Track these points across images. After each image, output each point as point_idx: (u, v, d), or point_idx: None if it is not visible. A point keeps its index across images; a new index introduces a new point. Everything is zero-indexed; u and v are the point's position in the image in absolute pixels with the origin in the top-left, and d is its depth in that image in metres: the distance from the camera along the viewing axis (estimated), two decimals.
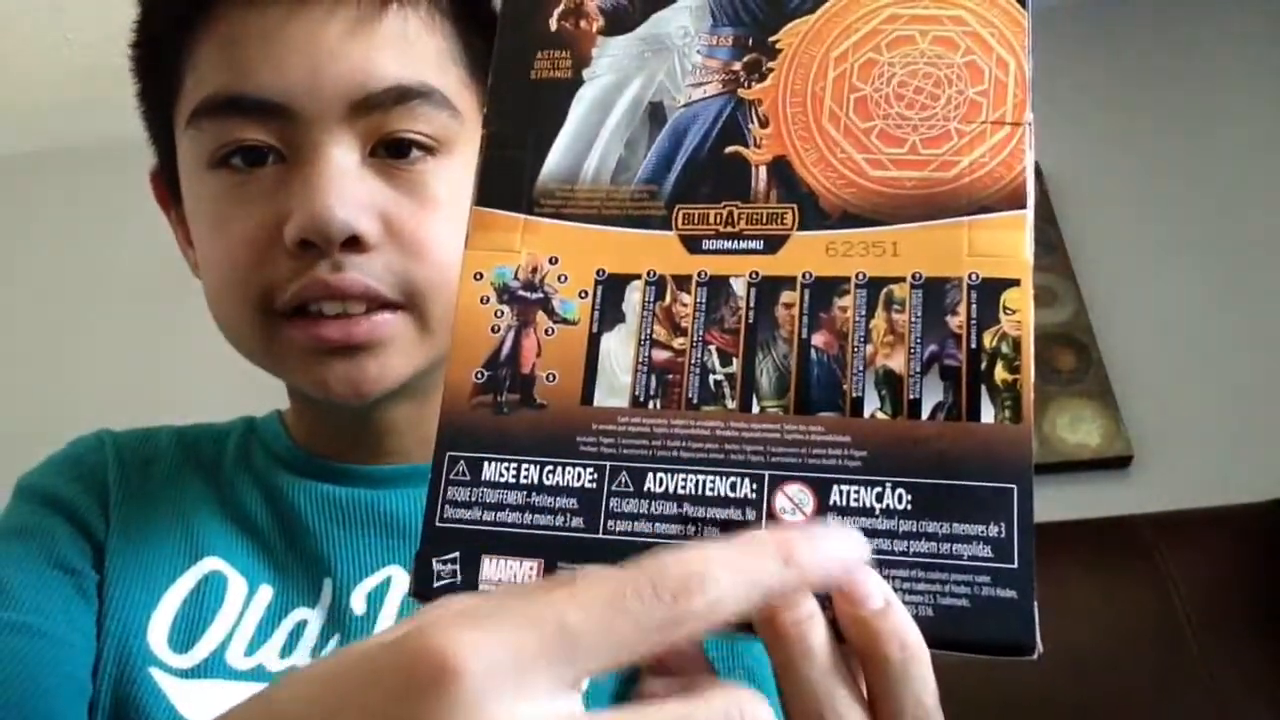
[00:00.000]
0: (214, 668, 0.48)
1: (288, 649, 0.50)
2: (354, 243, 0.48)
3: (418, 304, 0.51)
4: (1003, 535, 0.30)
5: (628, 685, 0.45)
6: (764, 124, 0.35)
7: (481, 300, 0.35)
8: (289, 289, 0.49)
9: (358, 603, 0.51)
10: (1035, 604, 0.29)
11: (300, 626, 0.51)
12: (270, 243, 0.49)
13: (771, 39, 0.36)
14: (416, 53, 0.50)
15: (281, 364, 0.52)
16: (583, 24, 0.38)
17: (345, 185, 0.48)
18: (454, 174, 0.51)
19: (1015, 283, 0.32)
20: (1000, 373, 0.31)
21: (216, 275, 0.52)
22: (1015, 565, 0.29)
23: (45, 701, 0.44)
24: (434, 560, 0.33)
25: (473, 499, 0.33)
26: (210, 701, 0.46)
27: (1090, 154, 1.80)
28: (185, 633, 0.49)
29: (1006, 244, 0.32)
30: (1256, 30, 1.88)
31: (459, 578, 0.33)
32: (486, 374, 0.35)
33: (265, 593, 0.51)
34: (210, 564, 0.51)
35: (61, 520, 0.53)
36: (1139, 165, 1.79)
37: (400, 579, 0.52)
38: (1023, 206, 0.33)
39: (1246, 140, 1.78)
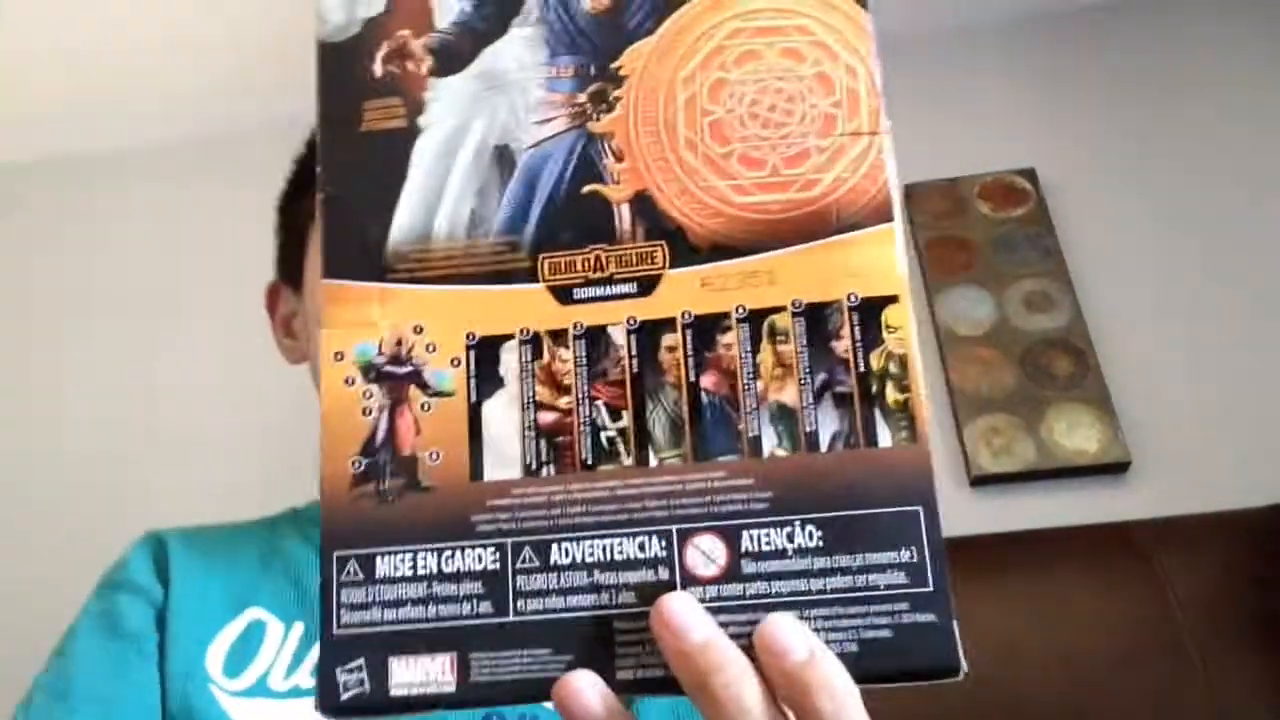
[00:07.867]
0: (260, 689, 0.58)
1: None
2: None
3: None
4: (915, 559, 0.30)
5: None
6: (619, 158, 0.34)
7: (346, 382, 0.33)
8: None
9: None
10: (955, 624, 0.29)
11: None
12: None
13: (614, 65, 0.35)
14: None
15: None
16: (410, 66, 0.35)
17: None
18: None
19: (893, 299, 0.32)
20: (891, 393, 0.31)
21: None
22: (931, 588, 0.30)
23: None
24: (337, 671, 0.31)
25: (370, 599, 0.31)
26: (259, 715, 0.57)
27: (1087, 159, 1.76)
28: (235, 664, 0.58)
29: (878, 260, 0.32)
30: (1254, 34, 1.85)
31: (367, 686, 0.31)
32: (364, 461, 0.32)
33: (298, 629, 0.60)
34: (253, 613, 0.61)
35: (125, 594, 0.63)
36: (1136, 170, 1.75)
37: None
38: (889, 220, 0.32)
39: (1244, 145, 1.76)
